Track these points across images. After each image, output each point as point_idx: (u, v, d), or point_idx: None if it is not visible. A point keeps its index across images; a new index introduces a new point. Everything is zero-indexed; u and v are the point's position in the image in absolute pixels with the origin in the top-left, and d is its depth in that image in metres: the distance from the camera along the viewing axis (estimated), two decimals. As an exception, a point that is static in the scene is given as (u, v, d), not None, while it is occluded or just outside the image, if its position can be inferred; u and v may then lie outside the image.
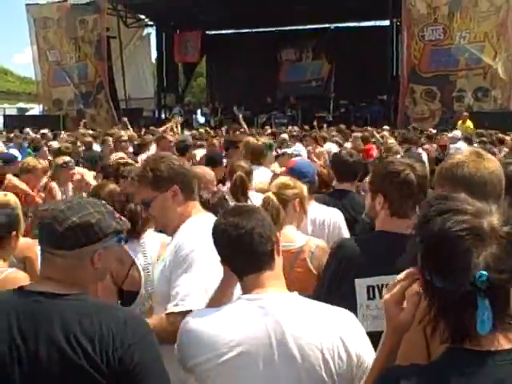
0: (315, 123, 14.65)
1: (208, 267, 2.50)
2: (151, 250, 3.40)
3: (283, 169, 4.60)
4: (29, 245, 3.59)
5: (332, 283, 2.40)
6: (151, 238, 3.44)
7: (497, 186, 2.30)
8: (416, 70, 21.27)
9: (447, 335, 1.46)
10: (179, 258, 2.60)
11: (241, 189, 5.11)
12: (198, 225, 2.67)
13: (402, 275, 1.66)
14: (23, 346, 1.84)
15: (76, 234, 1.92)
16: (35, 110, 32.06)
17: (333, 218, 4.04)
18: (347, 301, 2.38)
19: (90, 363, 1.80)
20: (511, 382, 1.38)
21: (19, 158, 9.75)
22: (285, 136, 12.10)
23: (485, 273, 1.34)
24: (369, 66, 23.89)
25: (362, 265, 2.56)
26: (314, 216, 3.98)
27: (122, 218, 2.12)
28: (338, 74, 25.46)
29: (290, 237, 3.33)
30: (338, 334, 2.00)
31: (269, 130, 15.58)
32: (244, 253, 2.07)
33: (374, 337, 2.10)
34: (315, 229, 3.96)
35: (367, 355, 2.01)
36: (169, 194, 2.72)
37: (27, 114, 31.76)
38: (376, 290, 2.53)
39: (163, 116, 28.32)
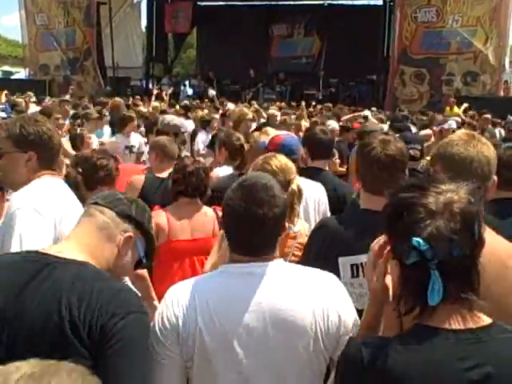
0: (303, 103, 14.50)
1: (29, 226, 2.50)
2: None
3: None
4: None
5: (315, 262, 2.34)
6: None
7: (484, 167, 2.31)
8: (407, 51, 21.22)
9: (409, 309, 1.51)
10: (7, 216, 2.62)
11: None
12: (38, 186, 2.69)
13: (375, 244, 1.72)
14: (19, 303, 1.82)
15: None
16: (21, 73, 31.61)
17: (318, 193, 3.99)
18: None
19: (71, 327, 1.75)
20: (451, 360, 1.42)
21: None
22: (273, 111, 11.96)
23: (419, 240, 1.43)
24: (360, 45, 23.77)
25: (345, 243, 2.56)
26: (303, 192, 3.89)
27: None
28: (329, 51, 25.31)
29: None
30: (327, 296, 1.99)
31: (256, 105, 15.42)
32: (261, 240, 2.00)
33: (359, 314, 2.10)
34: (303, 206, 3.80)
35: (350, 315, 2.01)
36: (24, 156, 2.73)
37: (12, 77, 31.29)
38: (360, 268, 2.54)
39: (151, 86, 28.04)
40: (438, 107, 17.71)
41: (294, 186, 3.06)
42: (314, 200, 3.91)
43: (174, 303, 1.96)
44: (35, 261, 1.90)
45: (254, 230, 1.96)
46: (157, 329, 1.95)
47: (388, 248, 1.62)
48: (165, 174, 4.78)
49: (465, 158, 2.30)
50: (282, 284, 1.97)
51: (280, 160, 3.19)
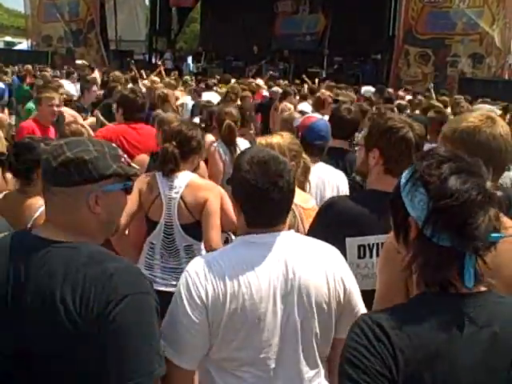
0: (304, 76, 14.38)
1: None
2: (178, 186, 3.58)
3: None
4: None
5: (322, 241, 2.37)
6: (182, 177, 3.62)
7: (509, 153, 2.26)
8: (412, 31, 21.06)
9: (425, 286, 1.52)
10: None
11: (229, 137, 5.09)
12: None
13: None
14: (12, 291, 1.80)
15: (68, 170, 1.82)
16: (23, 44, 31.40)
17: (338, 180, 3.96)
18: None
19: (68, 317, 1.72)
20: (462, 322, 1.45)
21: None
22: (277, 88, 11.90)
23: (498, 235, 1.43)
24: (365, 24, 23.57)
25: (353, 224, 2.54)
26: (321, 177, 3.89)
27: (132, 164, 2.00)
28: (334, 29, 25.09)
29: (305, 196, 3.29)
30: (335, 264, 2.09)
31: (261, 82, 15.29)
32: (277, 212, 2.06)
33: (365, 295, 2.16)
34: (320, 190, 3.87)
35: (355, 286, 2.12)
36: None
37: (14, 48, 31.09)
38: (367, 248, 2.54)
39: (153, 60, 27.88)
40: (442, 88, 17.63)
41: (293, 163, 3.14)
42: (332, 186, 3.90)
43: (200, 274, 1.97)
44: (31, 245, 1.85)
45: (274, 204, 2.02)
46: (184, 301, 1.96)
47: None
48: None
49: (496, 145, 2.22)
50: (299, 252, 2.05)
51: (281, 137, 3.29)
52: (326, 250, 2.15)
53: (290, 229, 2.23)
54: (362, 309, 2.12)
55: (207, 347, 1.99)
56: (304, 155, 3.36)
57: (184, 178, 3.61)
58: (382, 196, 2.45)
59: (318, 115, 4.40)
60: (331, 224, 2.60)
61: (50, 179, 1.85)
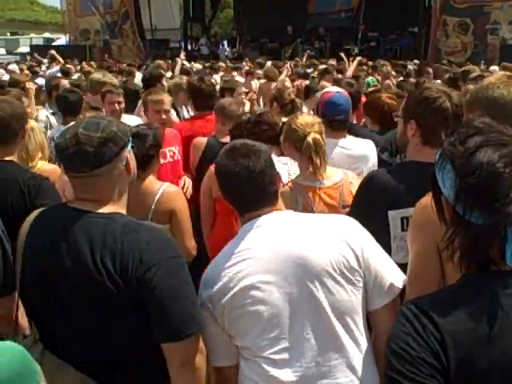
0: (343, 54, 14.22)
1: None
2: (293, 167, 3.70)
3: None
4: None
5: (363, 215, 2.34)
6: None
7: None
8: (450, 0, 20.54)
9: (467, 265, 1.47)
10: None
11: None
12: None
13: None
14: (55, 257, 1.94)
15: (108, 146, 1.96)
16: (61, 40, 31.88)
17: (369, 150, 3.96)
18: (380, 233, 2.33)
19: (110, 279, 1.87)
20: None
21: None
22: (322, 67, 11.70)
23: None
24: (401, -4, 23.11)
25: (395, 196, 2.51)
26: (351, 149, 3.90)
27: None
28: (368, 4, 24.66)
29: (330, 173, 3.31)
30: (342, 237, 2.06)
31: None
32: (254, 193, 2.11)
33: (408, 268, 2.14)
34: (353, 162, 3.85)
35: (371, 249, 2.10)
36: None
37: (54, 44, 31.61)
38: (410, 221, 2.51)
39: (189, 47, 27.96)
40: (483, 57, 17.21)
41: (308, 139, 3.20)
42: (365, 157, 3.89)
43: (203, 283, 2.10)
44: (71, 216, 1.99)
45: (248, 185, 2.10)
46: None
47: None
48: (228, 139, 4.54)
49: (509, 100, 2.18)
50: (294, 228, 2.08)
51: (302, 119, 3.37)
52: (329, 221, 2.16)
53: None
54: (393, 279, 2.08)
55: (228, 342, 2.07)
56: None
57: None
58: (422, 167, 2.41)
59: (335, 88, 4.34)
60: (373, 197, 2.60)
61: (91, 164, 1.95)
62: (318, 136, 3.25)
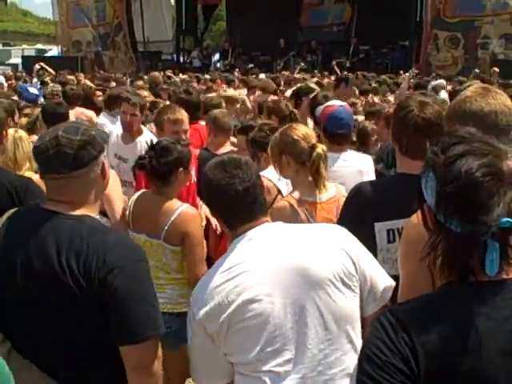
0: (334, 64, 14.23)
1: None
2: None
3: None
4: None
5: (351, 227, 2.33)
6: None
7: (509, 118, 2.18)
8: (440, 14, 20.70)
9: (448, 273, 1.46)
10: None
11: None
12: None
13: None
14: (23, 257, 1.98)
15: (87, 149, 2.02)
16: (53, 51, 31.87)
17: (370, 164, 3.95)
18: (367, 245, 2.32)
19: (73, 280, 1.90)
20: (487, 311, 1.40)
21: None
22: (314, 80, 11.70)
23: (510, 220, 1.35)
24: (392, 10, 23.21)
25: (381, 208, 2.51)
26: (354, 163, 3.88)
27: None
28: (360, 18, 24.82)
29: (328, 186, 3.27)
30: (339, 245, 2.06)
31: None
32: (248, 204, 2.09)
33: (396, 280, 2.13)
34: (357, 176, 3.78)
35: (364, 255, 2.11)
36: None
37: (45, 55, 31.60)
38: (396, 233, 2.50)
39: (181, 59, 28.03)
40: (473, 71, 17.31)
41: (318, 150, 3.14)
42: (364, 172, 3.86)
43: (195, 299, 2.06)
44: (41, 216, 2.04)
45: (242, 196, 2.08)
46: (189, 329, 2.05)
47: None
48: (223, 150, 4.53)
49: (488, 112, 2.16)
50: (287, 237, 2.06)
51: (300, 129, 3.30)
52: (322, 230, 2.16)
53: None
54: (380, 280, 2.10)
55: (223, 360, 2.03)
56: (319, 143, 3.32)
57: None
58: (408, 179, 2.42)
59: (337, 102, 4.32)
60: (360, 209, 2.59)
61: (70, 166, 2.01)
62: (324, 147, 3.22)
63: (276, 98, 7.67)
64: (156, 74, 11.88)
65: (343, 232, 2.15)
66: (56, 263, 1.92)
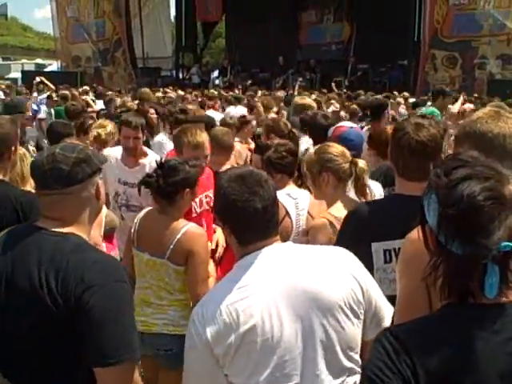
0: (333, 85, 14.35)
1: None
2: (302, 202, 3.59)
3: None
4: None
5: (348, 247, 2.36)
6: (303, 193, 3.66)
7: None
8: (438, 34, 20.88)
9: (447, 294, 1.48)
10: None
11: None
12: None
13: None
14: (7, 271, 1.98)
15: (82, 167, 2.03)
16: (53, 66, 31.99)
17: (378, 191, 3.96)
18: (364, 264, 2.32)
19: (51, 297, 1.88)
20: (487, 334, 1.41)
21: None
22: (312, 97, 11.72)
23: (510, 244, 1.37)
24: (390, 29, 23.38)
25: (378, 228, 2.53)
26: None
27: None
28: (359, 37, 25.00)
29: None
30: (346, 267, 2.05)
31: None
32: (264, 223, 2.04)
33: (392, 300, 2.15)
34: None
35: (371, 282, 2.10)
36: None
37: (45, 70, 31.70)
38: (393, 253, 2.51)
39: (181, 76, 28.16)
40: (470, 91, 17.42)
41: (361, 165, 3.22)
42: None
43: (199, 317, 1.97)
44: (27, 232, 2.05)
45: (259, 214, 2.01)
46: (188, 347, 1.99)
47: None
48: (224, 169, 4.37)
49: (497, 134, 2.19)
50: (299, 260, 2.03)
51: (336, 147, 3.36)
52: (332, 253, 2.12)
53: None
54: (384, 306, 2.10)
55: (223, 382, 1.97)
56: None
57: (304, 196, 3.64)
58: (404, 200, 2.48)
59: (348, 123, 4.37)
60: (357, 229, 2.61)
61: (64, 182, 2.02)
62: (364, 162, 3.27)
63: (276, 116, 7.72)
64: (146, 90, 11.80)
65: (351, 257, 2.12)
66: (36, 279, 1.90)
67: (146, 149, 5.17)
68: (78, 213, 2.08)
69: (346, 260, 2.09)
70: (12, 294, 1.95)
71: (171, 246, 3.23)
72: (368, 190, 3.25)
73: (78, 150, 2.07)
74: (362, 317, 2.03)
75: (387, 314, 2.10)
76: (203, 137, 4.12)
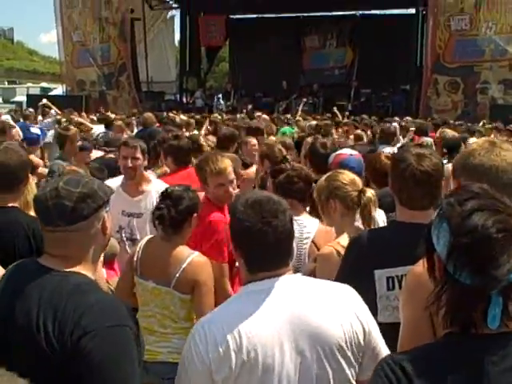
0: (335, 109, 14.43)
1: None
2: (308, 230, 3.59)
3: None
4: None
5: (350, 275, 2.39)
6: (311, 221, 3.67)
7: (510, 178, 2.22)
8: (440, 60, 21.00)
9: (450, 323, 1.50)
10: None
11: None
12: None
13: None
14: (7, 309, 1.90)
15: (87, 203, 1.94)
16: (58, 89, 32.23)
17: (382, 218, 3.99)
18: (367, 292, 2.34)
19: (47, 341, 1.80)
20: (487, 364, 1.42)
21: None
22: (313, 123, 11.82)
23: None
24: (393, 54, 23.61)
25: (380, 256, 2.54)
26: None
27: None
28: (362, 62, 25.18)
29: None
30: (350, 307, 2.03)
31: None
32: (276, 254, 2.01)
33: (395, 327, 2.16)
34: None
35: (373, 325, 2.06)
36: None
37: (50, 94, 31.93)
38: (395, 280, 2.52)
39: (184, 100, 28.32)
40: (473, 116, 17.50)
41: (368, 194, 3.18)
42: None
43: (201, 337, 1.94)
44: (30, 270, 1.98)
45: (271, 245, 1.97)
46: (186, 366, 1.96)
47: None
48: None
49: (489, 167, 2.22)
50: (305, 295, 2.00)
51: (347, 174, 3.35)
52: (338, 291, 2.08)
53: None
54: (382, 348, 2.06)
55: None
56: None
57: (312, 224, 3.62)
58: (406, 227, 2.50)
59: (348, 150, 4.42)
60: (359, 257, 2.62)
61: (67, 219, 1.93)
62: (373, 192, 3.26)
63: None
64: (149, 114, 11.85)
65: (356, 296, 2.09)
66: (34, 321, 1.83)
67: (149, 175, 4.99)
68: (83, 250, 2.00)
69: (351, 299, 2.06)
70: (10, 331, 1.87)
71: (177, 275, 3.24)
72: (373, 221, 3.21)
73: (83, 183, 1.98)
74: (359, 358, 2.01)
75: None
76: (225, 162, 3.99)
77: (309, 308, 1.97)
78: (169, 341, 3.26)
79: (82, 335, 1.78)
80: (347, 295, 2.08)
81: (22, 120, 13.82)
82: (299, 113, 16.17)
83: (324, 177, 3.41)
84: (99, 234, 2.03)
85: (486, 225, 1.44)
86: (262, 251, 1.99)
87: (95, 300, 1.87)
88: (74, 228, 1.94)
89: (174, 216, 3.31)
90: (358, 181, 3.34)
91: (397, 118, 15.36)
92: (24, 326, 1.85)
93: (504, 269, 1.40)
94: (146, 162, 4.86)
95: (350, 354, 1.97)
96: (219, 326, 1.94)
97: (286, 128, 11.68)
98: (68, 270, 1.95)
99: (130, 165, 4.64)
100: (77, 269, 1.97)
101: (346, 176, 3.32)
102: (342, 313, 1.99)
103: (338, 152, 4.46)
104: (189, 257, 3.28)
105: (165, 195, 3.42)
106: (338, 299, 2.04)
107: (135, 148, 4.70)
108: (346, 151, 4.37)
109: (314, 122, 11.98)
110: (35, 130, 10.04)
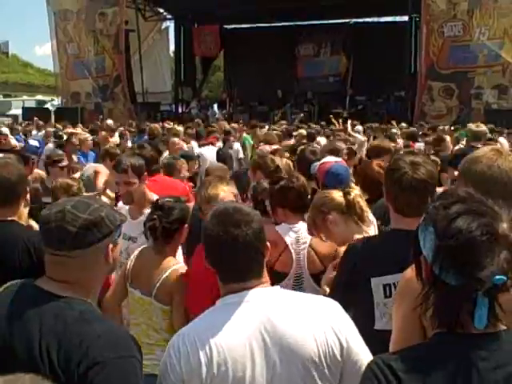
0: (332, 117, 14.50)
1: None
2: (304, 236, 3.56)
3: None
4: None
5: (347, 284, 2.39)
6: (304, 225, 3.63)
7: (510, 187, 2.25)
8: (434, 66, 21.14)
9: (438, 323, 1.53)
10: None
11: None
12: None
13: None
14: (6, 337, 1.85)
15: (91, 230, 1.88)
16: (54, 102, 32.26)
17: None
18: (364, 300, 2.36)
19: (51, 371, 1.74)
20: (475, 362, 1.45)
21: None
22: (303, 131, 11.85)
23: (504, 277, 1.43)
24: (387, 61, 23.71)
25: (377, 264, 2.55)
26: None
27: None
28: (356, 69, 25.26)
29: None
30: (328, 320, 1.98)
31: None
32: (238, 264, 2.00)
33: (391, 334, 2.15)
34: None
35: (354, 339, 2.00)
36: None
37: (45, 106, 31.95)
38: (392, 287, 2.52)
39: (180, 110, 28.38)
40: (467, 121, 17.54)
41: (353, 192, 3.25)
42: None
43: (175, 349, 1.94)
44: (31, 295, 1.90)
45: (233, 255, 1.97)
46: (161, 379, 1.95)
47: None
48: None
49: (490, 176, 2.25)
50: (277, 308, 1.97)
51: (322, 192, 3.43)
52: (316, 304, 2.05)
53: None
54: (365, 359, 1.98)
55: None
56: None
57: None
58: (400, 234, 2.49)
59: (333, 158, 4.42)
60: (355, 266, 2.63)
61: (68, 245, 1.87)
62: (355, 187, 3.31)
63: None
64: (155, 125, 11.89)
65: (338, 310, 2.05)
66: (37, 349, 1.77)
67: (151, 194, 4.40)
68: (84, 277, 1.93)
69: (329, 313, 2.01)
70: (7, 356, 1.80)
71: (157, 285, 3.24)
72: (366, 214, 3.25)
73: (92, 209, 1.90)
74: (338, 375, 1.96)
75: None
76: (219, 189, 3.56)
77: (281, 321, 1.94)
78: (152, 353, 3.21)
79: (90, 367, 1.72)
80: (326, 309, 2.03)
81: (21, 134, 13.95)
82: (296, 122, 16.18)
83: (313, 201, 3.44)
84: (101, 262, 1.96)
85: (470, 228, 1.47)
86: (223, 260, 2.00)
87: (101, 330, 1.81)
88: (74, 254, 1.89)
89: (165, 226, 3.33)
90: (335, 190, 3.38)
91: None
92: (25, 354, 1.79)
93: (488, 271, 1.43)
94: (146, 180, 4.43)
95: (325, 368, 1.93)
96: (192, 338, 1.93)
97: (247, 136, 12.07)
98: (69, 295, 1.89)
99: (123, 191, 4.27)
100: (77, 294, 1.91)
101: (321, 193, 3.40)
102: (315, 325, 1.95)
103: (322, 161, 4.45)
104: (171, 267, 3.29)
105: (156, 206, 3.43)
106: (313, 312, 1.99)
107: (125, 171, 4.19)
108: (330, 159, 4.38)
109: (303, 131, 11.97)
110: (34, 142, 10.18)
